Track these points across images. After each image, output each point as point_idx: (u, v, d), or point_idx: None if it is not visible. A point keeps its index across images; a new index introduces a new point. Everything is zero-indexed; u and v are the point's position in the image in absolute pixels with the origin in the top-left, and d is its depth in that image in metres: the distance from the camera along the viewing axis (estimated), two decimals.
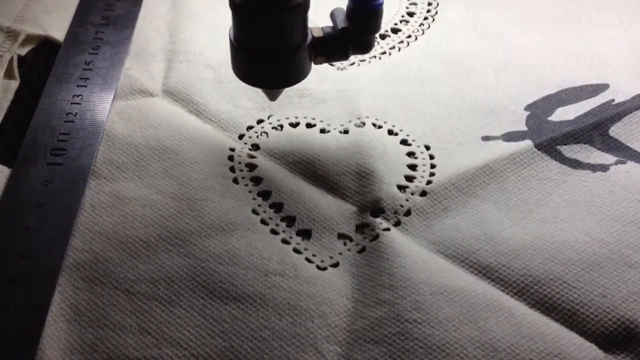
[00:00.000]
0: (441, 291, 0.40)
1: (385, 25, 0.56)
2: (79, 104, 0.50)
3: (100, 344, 0.38)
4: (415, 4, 0.58)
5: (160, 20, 0.56)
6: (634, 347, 0.37)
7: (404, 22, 0.57)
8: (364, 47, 0.45)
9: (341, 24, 0.43)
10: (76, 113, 0.49)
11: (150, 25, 0.56)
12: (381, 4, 0.43)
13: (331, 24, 0.44)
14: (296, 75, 0.44)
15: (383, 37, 0.56)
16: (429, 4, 0.58)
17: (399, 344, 0.38)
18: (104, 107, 0.49)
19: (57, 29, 0.55)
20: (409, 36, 0.55)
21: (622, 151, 0.47)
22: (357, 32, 0.44)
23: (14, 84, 0.51)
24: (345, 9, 0.44)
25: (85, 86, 0.51)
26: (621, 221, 0.43)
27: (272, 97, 0.47)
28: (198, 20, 0.56)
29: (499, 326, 0.38)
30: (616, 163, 0.46)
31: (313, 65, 0.45)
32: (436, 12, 0.58)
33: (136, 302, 0.39)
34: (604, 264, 0.41)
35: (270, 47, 0.42)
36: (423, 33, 0.56)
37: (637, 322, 0.38)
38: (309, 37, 0.43)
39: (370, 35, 0.44)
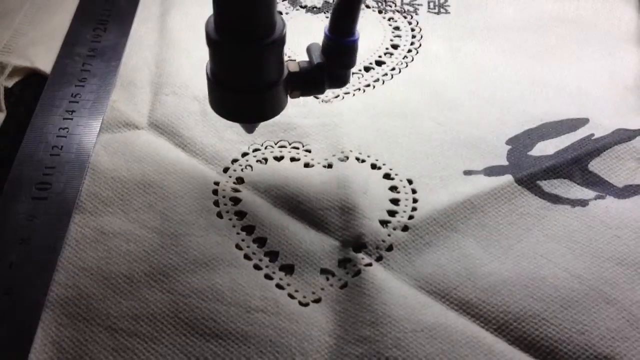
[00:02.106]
0: (422, 328, 0.40)
1: (370, 57, 0.57)
2: (65, 137, 0.50)
3: None
4: (399, 36, 0.59)
5: (147, 53, 0.57)
6: None
7: (388, 55, 0.57)
8: (340, 81, 0.45)
9: (317, 59, 0.44)
10: (62, 146, 0.49)
11: (137, 58, 0.56)
12: (356, 40, 0.43)
13: (307, 59, 0.45)
14: (273, 109, 0.45)
15: (367, 69, 0.56)
16: (413, 37, 0.59)
17: None
18: (89, 140, 0.50)
19: (44, 61, 0.55)
20: (393, 69, 0.56)
21: (602, 186, 0.47)
22: (332, 68, 0.44)
23: (1, 116, 0.51)
24: (321, 44, 0.44)
25: (71, 119, 0.51)
26: (600, 257, 0.43)
27: (250, 130, 0.47)
28: (185, 52, 0.57)
29: None
30: (595, 198, 0.47)
31: (290, 99, 0.45)
32: (420, 45, 0.58)
33: (118, 339, 0.40)
34: (582, 300, 0.41)
35: (247, 82, 0.42)
36: (407, 66, 0.57)
37: (615, 359, 0.39)
38: (285, 72, 0.43)
39: (345, 71, 0.45)
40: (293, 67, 0.44)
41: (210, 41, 0.41)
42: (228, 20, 0.39)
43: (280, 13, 0.42)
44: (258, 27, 0.40)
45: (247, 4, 0.38)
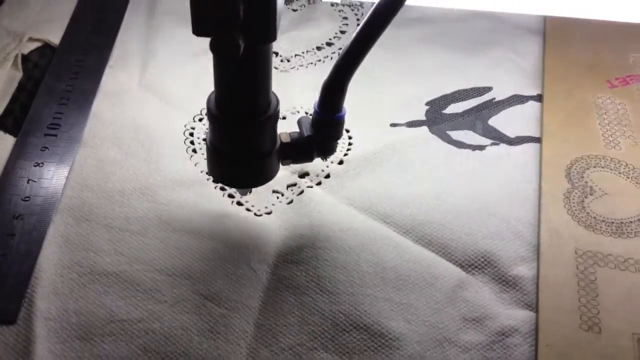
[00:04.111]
0: (347, 228, 0.52)
1: (322, 39, 0.70)
2: (71, 91, 0.62)
3: (85, 262, 0.50)
4: (347, 24, 0.72)
5: (138, 31, 0.69)
6: (487, 270, 0.50)
7: (336, 38, 0.70)
8: (327, 151, 0.50)
9: (307, 131, 0.48)
10: (68, 98, 0.61)
11: (130, 33, 0.68)
12: (343, 115, 0.47)
13: (298, 130, 0.49)
14: (266, 176, 0.49)
15: (319, 49, 0.69)
16: (358, 25, 0.71)
17: (312, 264, 0.50)
18: (91, 94, 0.62)
19: (55, 35, 0.67)
20: (340, 48, 0.69)
21: (497, 136, 0.60)
22: (321, 140, 0.48)
23: (18, 75, 0.63)
24: (311, 118, 0.48)
25: (76, 79, 0.63)
26: (489, 184, 0.56)
27: (243, 193, 0.54)
28: (169, 31, 0.69)
29: (389, 253, 0.51)
30: (491, 145, 0.59)
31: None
32: None
33: (113, 233, 0.51)
34: (471, 213, 0.53)
35: (244, 153, 0.46)
36: None
37: (491, 252, 0.51)
38: (278, 143, 0.48)
39: (333, 142, 0.49)
40: (285, 138, 0.48)
41: (211, 116, 0.45)
42: (228, 100, 0.44)
43: None
44: (256, 107, 0.44)
45: (248, 90, 0.43)
